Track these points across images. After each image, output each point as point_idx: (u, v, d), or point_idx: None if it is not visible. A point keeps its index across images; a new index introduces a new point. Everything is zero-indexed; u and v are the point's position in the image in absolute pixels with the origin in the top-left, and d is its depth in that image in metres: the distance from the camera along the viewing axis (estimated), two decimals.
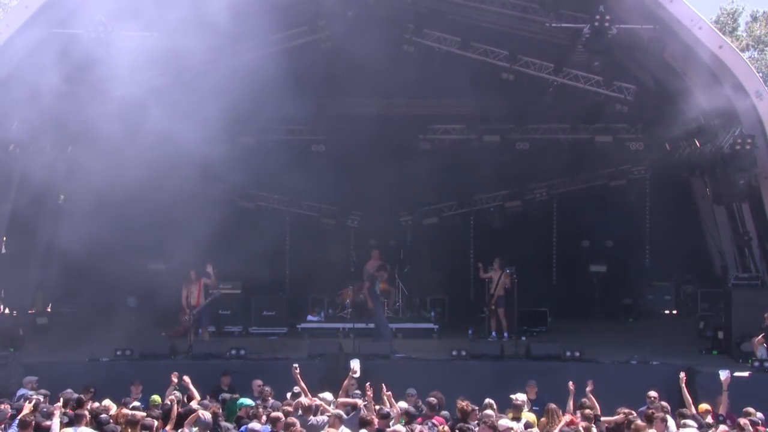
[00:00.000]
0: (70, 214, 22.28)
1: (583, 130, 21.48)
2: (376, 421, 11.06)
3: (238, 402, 13.01)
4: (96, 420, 11.49)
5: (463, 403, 12.15)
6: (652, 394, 13.38)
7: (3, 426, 11.53)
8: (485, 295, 20.56)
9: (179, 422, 12.05)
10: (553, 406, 12.35)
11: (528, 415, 12.93)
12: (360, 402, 12.42)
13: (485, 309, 20.36)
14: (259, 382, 14.59)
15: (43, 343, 18.99)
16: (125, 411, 11.78)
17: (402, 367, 16.84)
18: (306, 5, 19.37)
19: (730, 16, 39.86)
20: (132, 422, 11.13)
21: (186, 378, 13.31)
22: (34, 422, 10.91)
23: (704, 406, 13.01)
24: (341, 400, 12.86)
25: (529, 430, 11.57)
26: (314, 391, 13.69)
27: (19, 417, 11.14)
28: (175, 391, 13.01)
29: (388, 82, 19.33)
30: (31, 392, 13.52)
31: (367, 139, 21.11)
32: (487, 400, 12.75)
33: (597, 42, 17.11)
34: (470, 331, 20.31)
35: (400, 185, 21.67)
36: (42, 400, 12.47)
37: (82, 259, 21.25)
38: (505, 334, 19.70)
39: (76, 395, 12.82)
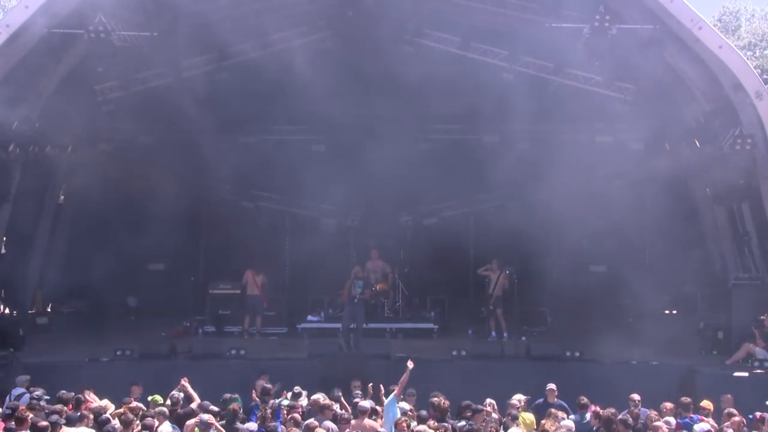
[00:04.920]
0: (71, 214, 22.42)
1: (583, 130, 21.45)
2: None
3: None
4: (96, 420, 11.53)
5: (438, 399, 12.31)
6: (635, 397, 13.38)
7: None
8: (485, 295, 20.55)
9: (179, 422, 12.10)
10: (554, 409, 12.39)
11: (526, 416, 12.97)
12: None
13: (483, 309, 20.33)
14: (261, 381, 14.63)
15: (43, 343, 18.99)
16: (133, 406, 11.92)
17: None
18: (306, 5, 19.36)
19: (733, 15, 39.79)
20: (126, 422, 11.20)
21: (184, 381, 13.26)
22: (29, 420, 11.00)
23: (707, 403, 13.04)
24: None
25: None
26: (313, 392, 13.73)
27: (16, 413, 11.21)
28: (174, 392, 13.01)
29: (389, 82, 19.31)
30: (25, 390, 13.59)
31: (367, 139, 21.10)
32: (488, 400, 12.80)
33: (597, 42, 17.09)
34: (470, 331, 20.31)
35: (400, 185, 21.65)
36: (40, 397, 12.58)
37: (83, 259, 21.32)
38: (505, 334, 19.69)
39: (75, 395, 12.90)
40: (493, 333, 19.91)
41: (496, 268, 20.04)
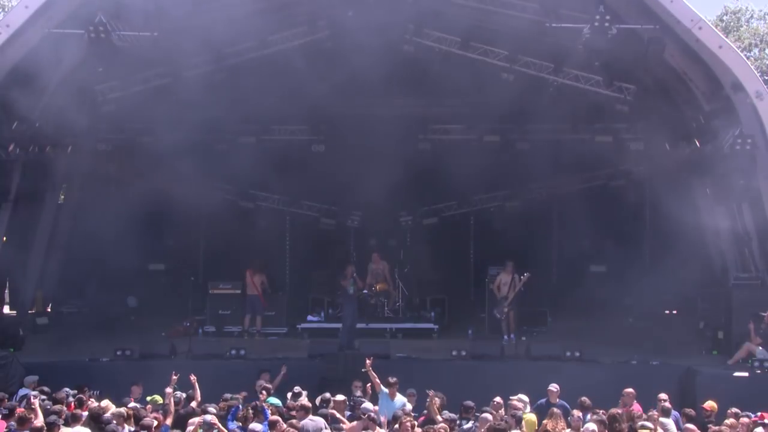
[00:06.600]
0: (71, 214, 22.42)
1: (583, 130, 21.42)
2: None
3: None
4: (96, 420, 11.52)
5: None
6: (663, 396, 13.32)
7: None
8: (485, 295, 20.53)
9: (180, 422, 12.09)
10: (556, 409, 12.37)
11: (529, 416, 12.95)
12: None
13: (497, 312, 20.03)
14: (262, 381, 14.64)
15: (43, 343, 19.00)
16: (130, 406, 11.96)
17: (402, 367, 16.84)
18: (306, 5, 19.36)
19: (734, 15, 39.74)
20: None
21: (192, 377, 13.24)
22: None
23: (710, 404, 13.03)
24: None
25: None
26: (313, 392, 13.73)
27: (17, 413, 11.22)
28: (176, 392, 12.99)
29: (388, 82, 19.30)
30: (32, 392, 13.56)
31: (368, 139, 21.09)
32: (497, 399, 12.82)
33: (597, 42, 17.08)
34: (470, 331, 20.29)
35: (400, 185, 21.65)
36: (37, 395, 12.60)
37: (83, 259, 21.32)
38: (512, 336, 19.60)
39: (76, 394, 12.90)
40: (505, 336, 19.70)
41: (510, 271, 19.92)
